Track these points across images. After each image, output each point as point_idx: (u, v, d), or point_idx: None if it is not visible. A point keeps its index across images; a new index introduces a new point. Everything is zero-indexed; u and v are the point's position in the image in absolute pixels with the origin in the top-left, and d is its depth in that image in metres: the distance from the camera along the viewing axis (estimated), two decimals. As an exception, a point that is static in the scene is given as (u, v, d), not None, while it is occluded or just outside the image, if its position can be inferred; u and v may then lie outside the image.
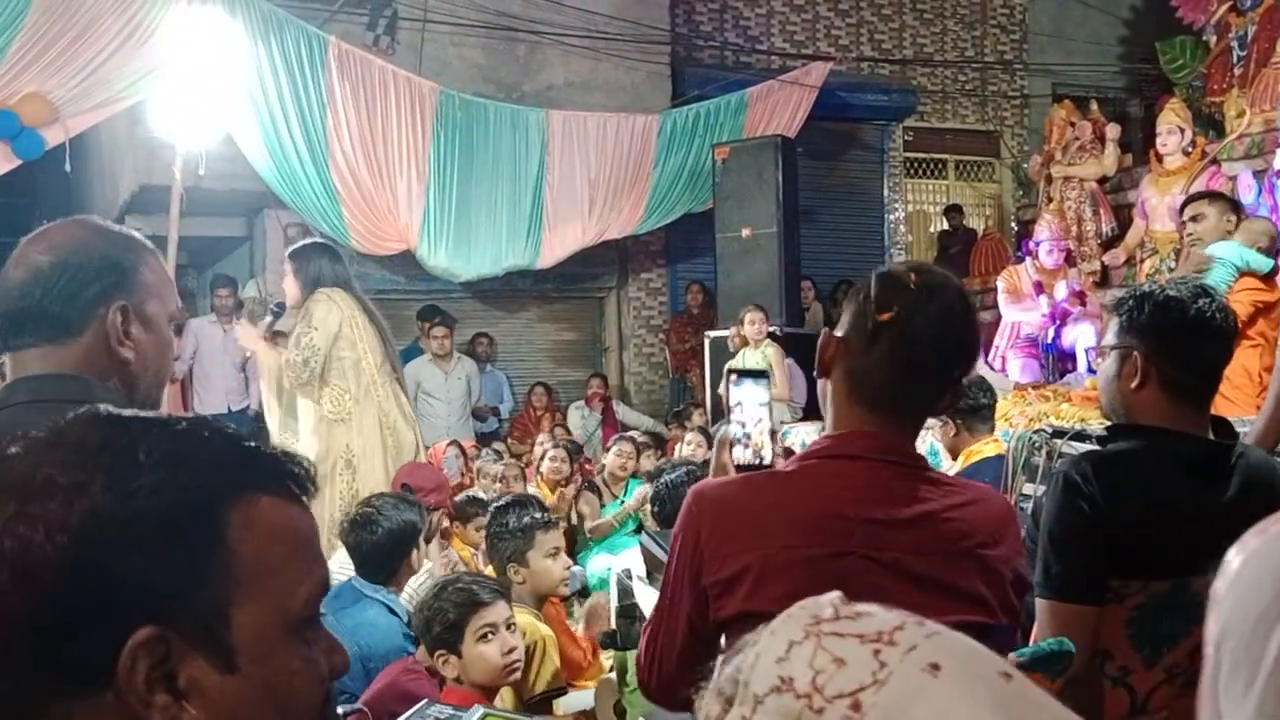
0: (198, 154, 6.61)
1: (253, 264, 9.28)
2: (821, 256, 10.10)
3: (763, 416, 1.75)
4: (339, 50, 7.91)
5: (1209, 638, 0.74)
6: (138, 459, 0.75)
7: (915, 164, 11.66)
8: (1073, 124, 8.46)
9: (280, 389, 4.54)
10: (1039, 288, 7.06)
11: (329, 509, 4.24)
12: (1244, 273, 4.61)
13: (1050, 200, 8.29)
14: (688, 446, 6.11)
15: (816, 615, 0.64)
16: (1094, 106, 8.97)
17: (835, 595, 0.66)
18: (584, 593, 4.42)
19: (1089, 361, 6.22)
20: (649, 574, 3.07)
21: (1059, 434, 3.50)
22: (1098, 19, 11.47)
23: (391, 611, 3.12)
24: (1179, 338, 1.96)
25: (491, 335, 9.45)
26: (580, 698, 3.32)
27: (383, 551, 3.20)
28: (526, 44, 9.13)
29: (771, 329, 7.62)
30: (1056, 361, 7.05)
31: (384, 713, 2.39)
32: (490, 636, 2.62)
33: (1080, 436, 3.32)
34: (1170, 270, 6.20)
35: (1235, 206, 5.09)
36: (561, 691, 3.16)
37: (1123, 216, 7.92)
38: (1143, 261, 7.07)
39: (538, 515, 3.45)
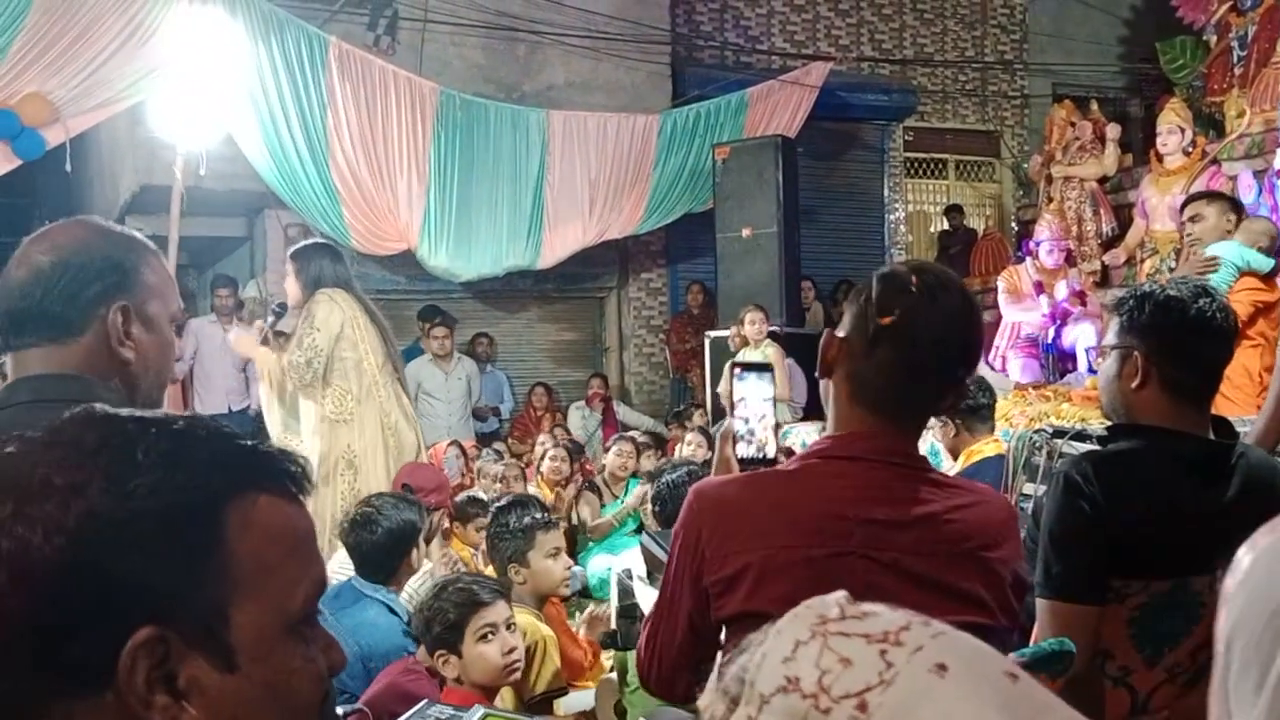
0: (198, 154, 6.62)
1: (253, 264, 9.28)
2: (822, 256, 10.10)
3: (766, 412, 1.74)
4: (339, 50, 7.91)
5: (1219, 636, 0.74)
6: (135, 459, 0.75)
7: (915, 164, 11.66)
8: (1073, 124, 8.46)
9: (282, 390, 4.54)
10: (1039, 288, 7.05)
11: (331, 509, 4.25)
12: (1244, 272, 4.61)
13: (1050, 200, 8.29)
14: (688, 447, 6.11)
15: (822, 615, 0.64)
16: (1094, 106, 8.97)
17: (841, 595, 0.66)
18: (584, 593, 4.42)
19: (1089, 361, 6.21)
20: (649, 574, 3.06)
21: (1059, 434, 3.50)
22: (1098, 19, 11.47)
23: (391, 611, 3.12)
24: (1179, 337, 1.96)
25: (492, 335, 9.45)
26: (581, 698, 3.32)
27: (382, 551, 3.20)
28: (527, 44, 9.13)
29: (772, 329, 7.62)
30: (1057, 361, 7.05)
31: (384, 713, 2.39)
32: (490, 636, 2.62)
33: (1081, 436, 3.32)
34: (1171, 270, 6.19)
35: (1235, 206, 5.08)
36: (562, 692, 3.16)
37: (1123, 216, 7.92)
38: (1143, 261, 7.07)
39: (538, 515, 3.45)
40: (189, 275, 10.31)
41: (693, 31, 10.46)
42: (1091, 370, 5.82)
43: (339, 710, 1.96)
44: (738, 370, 1.76)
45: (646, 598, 2.65)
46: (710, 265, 9.04)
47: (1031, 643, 1.87)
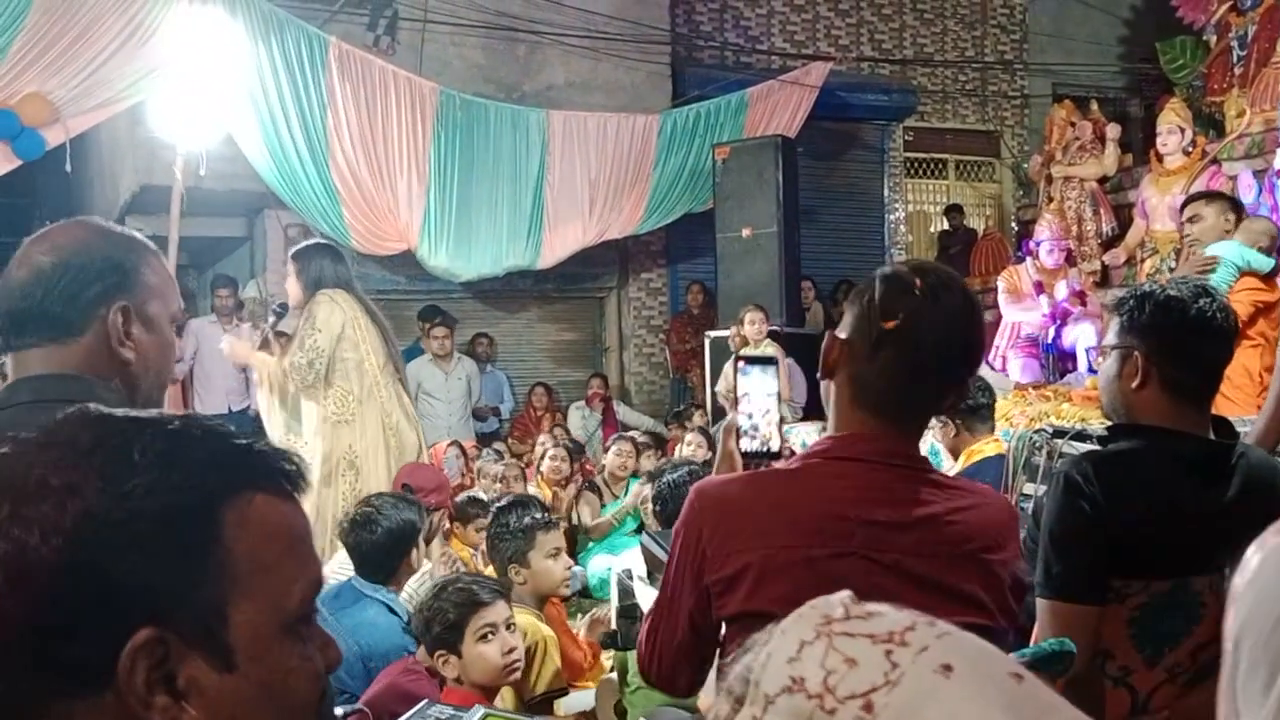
0: (198, 154, 6.62)
1: (253, 264, 9.28)
2: (822, 256, 10.10)
3: (770, 407, 1.73)
4: (339, 50, 7.91)
5: (1227, 634, 0.74)
6: (132, 459, 0.75)
7: (915, 164, 11.66)
8: (1073, 124, 8.46)
9: (284, 392, 4.53)
10: (1039, 288, 7.05)
11: (332, 510, 4.25)
12: (1245, 272, 4.61)
13: (1050, 200, 8.29)
14: (688, 447, 6.11)
15: (827, 615, 0.64)
16: (1094, 106, 8.97)
17: (845, 594, 0.66)
18: (584, 593, 4.42)
19: (1089, 361, 6.22)
20: (649, 574, 3.06)
21: (1059, 434, 3.50)
22: (1098, 19, 11.47)
23: (391, 611, 3.12)
24: (1180, 337, 1.96)
25: (492, 335, 9.45)
26: (581, 698, 3.32)
27: (382, 551, 3.20)
28: (527, 44, 9.13)
29: (772, 329, 7.62)
30: (1057, 361, 7.05)
31: (384, 713, 2.39)
32: (490, 636, 2.62)
33: (1081, 436, 3.32)
34: (1171, 270, 6.19)
35: (1235, 206, 5.07)
36: (563, 692, 3.16)
37: (1123, 216, 7.92)
38: (1143, 261, 7.07)
39: (538, 516, 3.45)
40: (189, 275, 10.30)
41: (692, 31, 10.46)
42: (1092, 370, 5.83)
43: (339, 710, 1.96)
44: (741, 364, 1.75)
45: (647, 598, 2.64)
46: (710, 265, 9.04)
47: (1032, 643, 1.87)
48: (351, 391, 4.45)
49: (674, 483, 3.80)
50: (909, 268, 1.59)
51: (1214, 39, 7.95)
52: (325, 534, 4.12)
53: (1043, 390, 5.64)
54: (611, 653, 3.35)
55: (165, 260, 1.68)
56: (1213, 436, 2.01)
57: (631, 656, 2.95)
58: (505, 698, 2.85)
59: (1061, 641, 1.55)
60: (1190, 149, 6.93)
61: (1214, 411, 2.06)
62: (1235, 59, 7.63)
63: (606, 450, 6.49)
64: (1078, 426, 3.73)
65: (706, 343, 8.39)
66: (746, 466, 1.73)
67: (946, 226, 11.26)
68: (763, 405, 1.72)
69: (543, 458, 6.35)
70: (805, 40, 10.89)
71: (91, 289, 1.51)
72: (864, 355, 1.55)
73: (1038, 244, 7.32)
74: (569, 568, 3.47)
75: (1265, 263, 4.69)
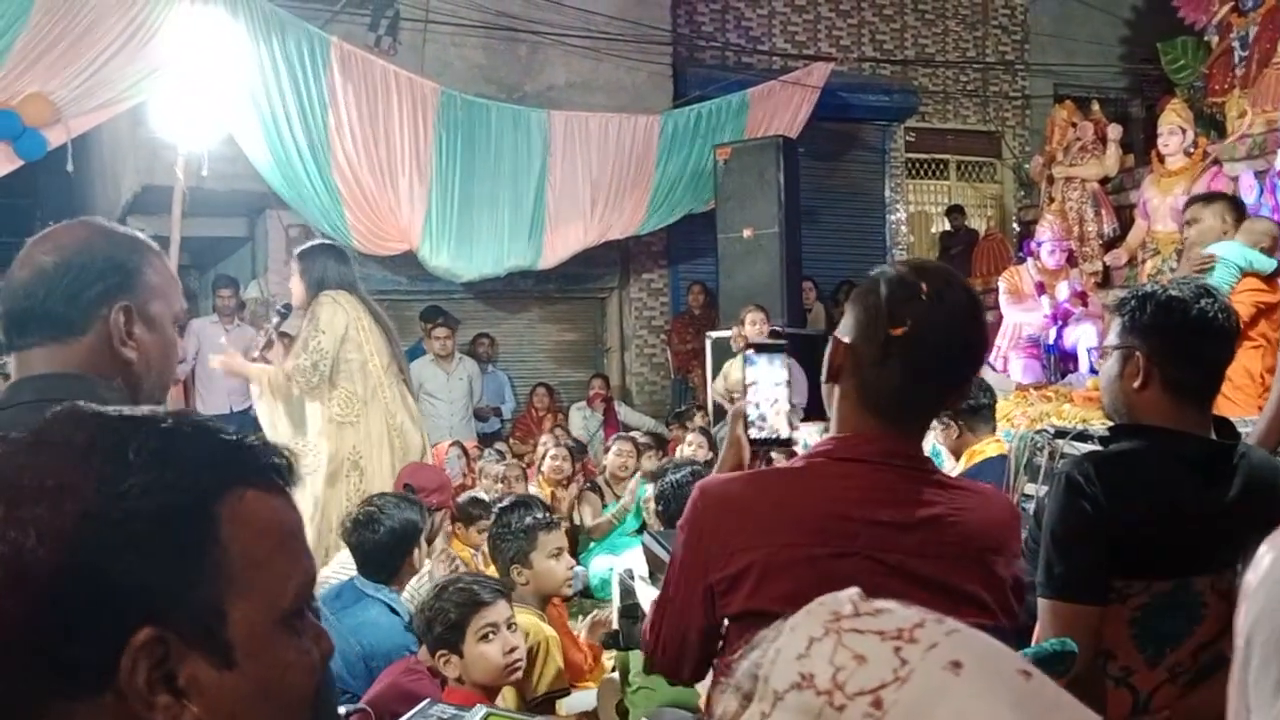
0: (200, 154, 6.63)
1: (254, 264, 9.29)
2: (823, 257, 10.09)
3: (779, 396, 1.72)
4: (341, 51, 7.91)
5: (1238, 631, 0.74)
6: (127, 459, 0.75)
7: (917, 164, 11.66)
8: (1074, 124, 8.46)
9: (288, 396, 4.52)
10: (1041, 288, 7.06)
11: (337, 511, 4.24)
12: (1247, 273, 4.61)
13: (1052, 201, 8.29)
14: (689, 447, 6.11)
15: (836, 611, 0.64)
16: (1095, 107, 8.97)
17: (854, 591, 0.66)
18: (585, 593, 4.42)
19: (1091, 362, 6.21)
20: (651, 574, 3.06)
21: (1061, 434, 3.50)
22: (1099, 19, 11.46)
23: (393, 611, 3.12)
24: (1181, 338, 1.96)
25: (493, 336, 9.45)
26: (583, 698, 3.32)
27: (385, 550, 3.20)
28: (528, 44, 9.13)
29: (773, 329, 7.61)
30: (1058, 362, 7.05)
31: (386, 712, 2.39)
32: (491, 636, 2.62)
33: (1082, 437, 3.32)
34: (1172, 271, 6.19)
35: (1234, 206, 5.06)
36: (564, 692, 3.16)
37: (1124, 217, 7.92)
38: (1144, 262, 7.07)
39: (540, 516, 3.45)
40: (190, 276, 10.32)
41: (694, 32, 10.46)
42: (1093, 371, 5.83)
43: (340, 710, 1.96)
44: (749, 352, 1.74)
45: (648, 597, 2.65)
46: (711, 266, 9.04)
47: (1034, 643, 1.87)
48: (356, 393, 4.45)
49: (676, 482, 3.80)
50: (911, 269, 1.59)
51: (1215, 40, 7.95)
52: (330, 534, 4.12)
53: (1044, 391, 5.64)
54: (613, 653, 3.35)
55: (168, 260, 1.68)
56: (1214, 437, 2.01)
57: (633, 656, 2.96)
58: (507, 697, 2.85)
59: (1063, 641, 1.55)
60: (1192, 150, 6.94)
61: (1215, 412, 2.06)
62: (1237, 60, 7.63)
63: (607, 451, 6.49)
64: (1079, 427, 3.73)
65: (708, 343, 8.38)
66: (754, 454, 1.73)
67: (948, 227, 11.26)
68: (770, 395, 1.71)
69: (544, 458, 6.35)
70: (806, 41, 10.89)
71: (93, 288, 1.51)
72: (870, 360, 1.55)
73: (1039, 245, 7.33)
74: (571, 568, 3.47)
75: (1267, 263, 4.68)
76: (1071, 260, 7.45)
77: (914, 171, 11.64)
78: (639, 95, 9.47)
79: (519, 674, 2.74)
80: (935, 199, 11.83)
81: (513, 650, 2.65)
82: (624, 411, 9.37)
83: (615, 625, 2.94)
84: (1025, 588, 1.66)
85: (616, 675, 3.22)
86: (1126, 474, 1.95)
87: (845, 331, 1.60)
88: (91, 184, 9.73)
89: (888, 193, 11.32)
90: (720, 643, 1.62)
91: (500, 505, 3.71)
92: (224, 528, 0.77)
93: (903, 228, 11.44)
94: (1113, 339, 2.07)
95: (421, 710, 2.07)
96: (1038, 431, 3.68)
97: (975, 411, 3.87)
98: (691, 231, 9.56)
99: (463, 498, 5.08)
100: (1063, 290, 6.97)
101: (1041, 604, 1.95)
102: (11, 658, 0.72)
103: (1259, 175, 6.59)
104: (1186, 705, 1.91)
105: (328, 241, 5.17)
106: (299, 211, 8.22)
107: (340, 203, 8.17)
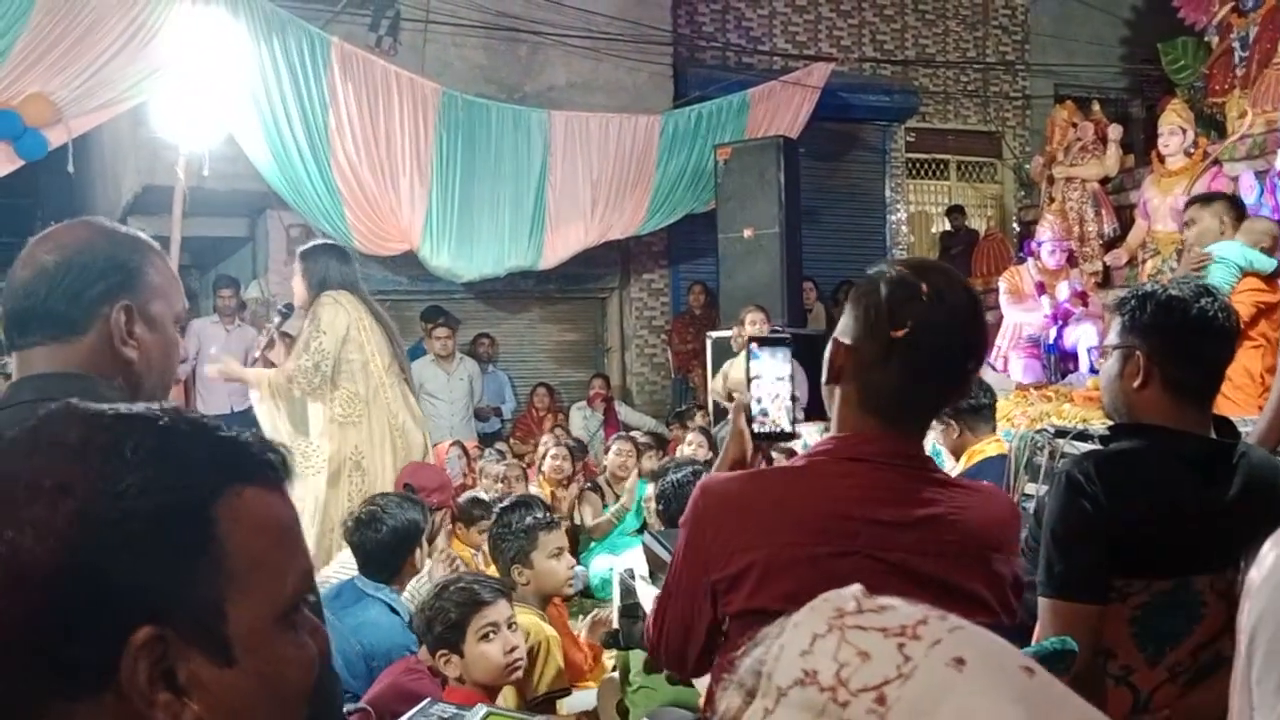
0: (200, 154, 6.63)
1: (255, 264, 9.29)
2: (823, 257, 10.10)
3: (781, 391, 1.72)
4: (341, 51, 7.91)
5: (1242, 627, 0.74)
6: (124, 457, 0.75)
7: (917, 164, 11.66)
8: (1074, 125, 8.46)
9: (289, 398, 4.51)
10: (1041, 288, 7.06)
11: (338, 511, 4.25)
12: (1247, 273, 4.61)
13: (1052, 201, 8.29)
14: (689, 447, 6.11)
15: (840, 608, 0.64)
16: (1096, 107, 8.97)
17: (857, 588, 0.66)
18: (586, 593, 4.42)
19: (1091, 362, 6.21)
20: (652, 574, 3.07)
21: (1061, 434, 3.50)
22: (1099, 20, 11.46)
23: (393, 610, 3.12)
24: (1181, 337, 1.96)
25: (493, 336, 9.45)
26: (583, 698, 3.32)
27: (387, 550, 3.20)
28: (528, 45, 9.13)
29: (774, 329, 7.61)
30: (1058, 362, 7.05)
31: (387, 712, 2.39)
32: (492, 636, 2.62)
33: (1082, 436, 3.32)
34: (1172, 271, 6.19)
35: (1233, 205, 5.06)
36: (565, 692, 3.16)
37: (1124, 217, 7.92)
38: (1145, 262, 7.07)
39: (540, 516, 3.45)
40: (191, 276, 10.32)
41: (694, 32, 10.46)
42: (1093, 370, 5.83)
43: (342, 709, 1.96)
44: (753, 346, 1.75)
45: (648, 597, 2.65)
46: (712, 266, 9.03)
47: (1034, 641, 1.87)
48: (357, 393, 4.46)
49: (677, 482, 3.80)
50: (911, 269, 1.58)
51: (1216, 40, 7.95)
52: (331, 534, 4.12)
53: (1044, 391, 5.64)
54: (613, 653, 3.35)
55: (169, 260, 1.68)
56: (1214, 436, 2.01)
57: (633, 656, 2.96)
58: (507, 697, 2.85)
59: (1063, 640, 1.55)
60: (1192, 150, 6.94)
61: (1215, 412, 2.06)
62: (1237, 60, 7.63)
63: (607, 450, 6.48)
64: (1079, 426, 3.73)
65: (708, 343, 8.38)
66: (756, 448, 1.73)
67: (948, 227, 11.26)
68: (772, 390, 1.71)
69: (544, 458, 6.34)
70: (807, 41, 10.89)
71: (94, 288, 1.51)
72: (872, 362, 1.55)
73: (1039, 245, 7.33)
74: (572, 567, 3.47)
75: (1267, 263, 4.69)
76: (1072, 260, 7.45)
77: (914, 171, 11.64)
78: (639, 95, 9.47)
79: (519, 673, 2.74)
80: (935, 199, 11.83)
81: (513, 650, 2.65)
82: (624, 411, 9.37)
83: (615, 625, 2.94)
84: (1024, 586, 1.66)
85: (617, 675, 3.22)
86: (1126, 473, 1.95)
87: (845, 333, 1.60)
88: (92, 184, 9.73)
89: (888, 193, 11.32)
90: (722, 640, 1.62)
91: (501, 505, 3.71)
92: (222, 525, 0.77)
93: (903, 228, 11.44)
94: (1113, 338, 2.08)
95: (422, 710, 2.08)
96: (1038, 431, 3.68)
97: (975, 411, 3.87)
98: (692, 231, 9.56)
99: (463, 498, 5.08)
100: (1063, 290, 6.97)
101: (1042, 603, 1.95)
102: (11, 658, 0.72)
103: (1259, 175, 6.59)
104: (1186, 704, 1.91)
105: (330, 241, 5.17)
106: (299, 211, 8.22)
107: (341, 203, 8.17)
